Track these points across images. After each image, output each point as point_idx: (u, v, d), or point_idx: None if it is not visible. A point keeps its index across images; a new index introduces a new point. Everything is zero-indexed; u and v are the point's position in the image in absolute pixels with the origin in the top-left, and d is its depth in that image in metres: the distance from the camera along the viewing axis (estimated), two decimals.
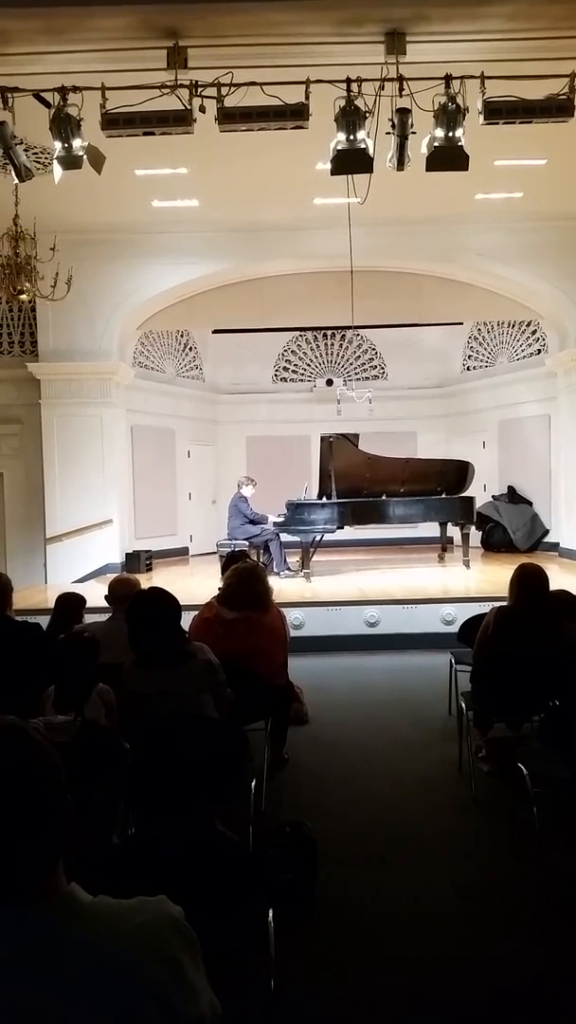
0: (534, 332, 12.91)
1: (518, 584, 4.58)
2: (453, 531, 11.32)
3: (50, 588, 10.29)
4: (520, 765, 3.52)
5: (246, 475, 11.32)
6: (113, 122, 5.72)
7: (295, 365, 15.01)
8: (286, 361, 15.01)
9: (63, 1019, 1.13)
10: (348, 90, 5.76)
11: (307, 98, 5.68)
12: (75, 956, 1.16)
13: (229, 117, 5.73)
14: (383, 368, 15.02)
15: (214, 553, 11.35)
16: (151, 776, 3.09)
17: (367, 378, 14.75)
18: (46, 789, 1.22)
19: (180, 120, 5.71)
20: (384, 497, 10.52)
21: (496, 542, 13.05)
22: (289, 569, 10.44)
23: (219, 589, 5.01)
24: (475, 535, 12.09)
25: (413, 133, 5.87)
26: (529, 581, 4.56)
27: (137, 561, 11.10)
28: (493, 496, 13.41)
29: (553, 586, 4.74)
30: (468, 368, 14.43)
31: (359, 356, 14.99)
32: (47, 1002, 1.14)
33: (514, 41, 5.77)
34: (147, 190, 9.38)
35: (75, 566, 11.18)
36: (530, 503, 13.08)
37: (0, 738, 1.23)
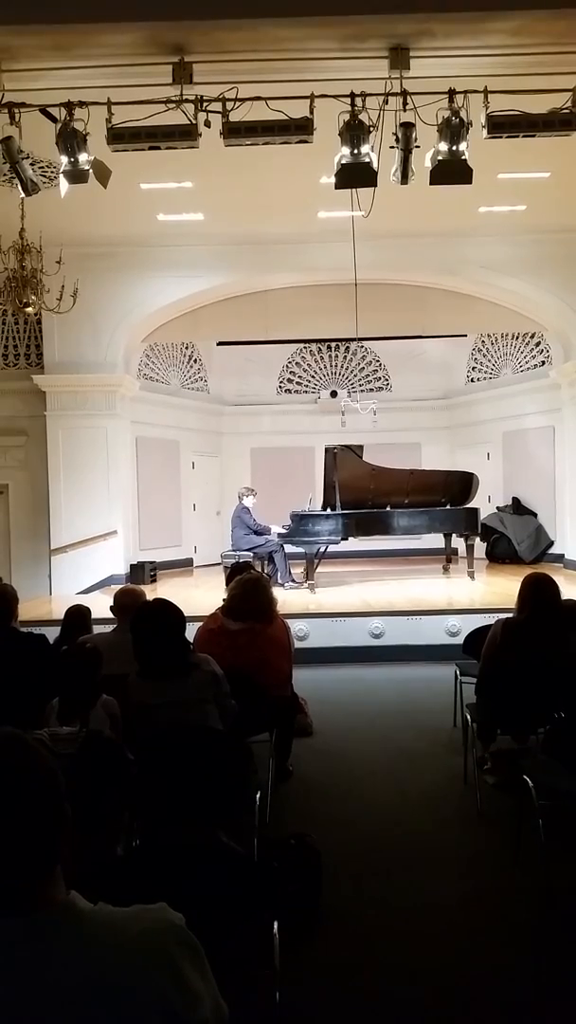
0: (538, 344, 12.94)
1: (531, 593, 4.56)
2: (458, 542, 11.32)
3: (55, 599, 10.31)
4: (525, 777, 3.51)
5: (246, 486, 11.33)
6: (119, 137, 5.76)
7: (299, 377, 15.05)
8: (290, 373, 15.05)
9: None
10: (352, 105, 5.80)
11: (311, 113, 5.71)
12: (74, 965, 1.16)
13: (234, 132, 5.76)
14: (387, 380, 15.05)
15: (218, 564, 11.37)
16: (155, 787, 3.09)
17: (371, 390, 14.78)
18: (42, 796, 1.22)
19: (185, 135, 5.75)
20: (388, 508, 10.52)
21: (501, 553, 13.03)
22: (293, 580, 10.44)
23: (223, 600, 5.02)
24: (480, 546, 12.10)
25: (417, 147, 5.90)
26: (542, 590, 4.54)
27: (141, 572, 11.10)
28: (497, 507, 13.40)
29: None
30: (472, 380, 14.45)
31: (363, 368, 15.02)
32: (46, 1012, 1.13)
33: (517, 56, 5.80)
34: (152, 204, 9.44)
35: (79, 577, 11.19)
36: (535, 514, 13.06)
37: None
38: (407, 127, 5.79)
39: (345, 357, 14.96)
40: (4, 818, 1.18)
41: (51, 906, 1.20)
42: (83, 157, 5.92)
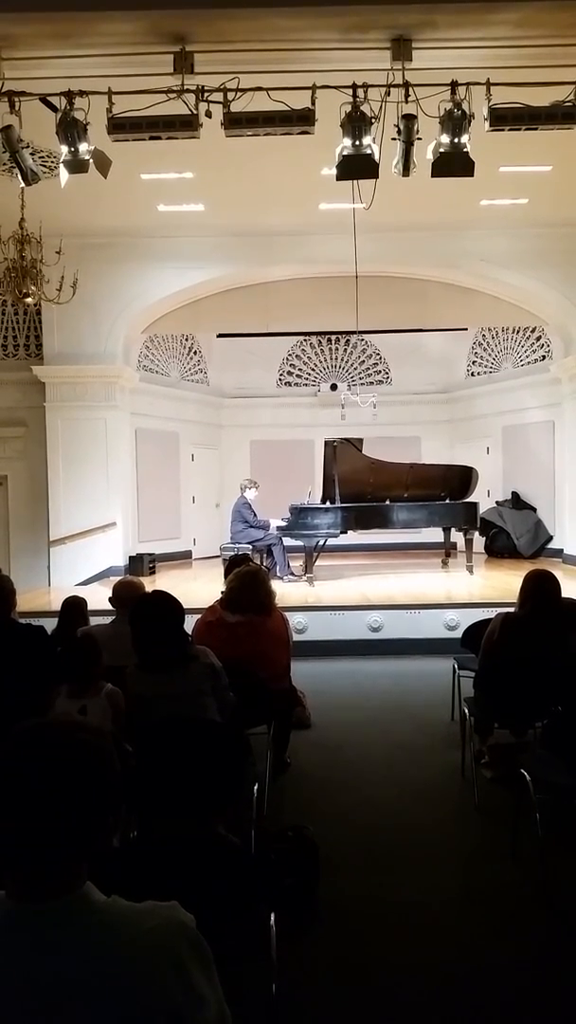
0: (539, 338, 12.91)
1: (532, 588, 4.56)
2: (457, 536, 11.32)
3: (53, 591, 10.30)
4: (523, 771, 3.51)
5: (248, 478, 11.32)
6: (119, 126, 5.74)
7: (299, 370, 15.02)
8: (290, 366, 15.02)
9: (70, 1017, 1.14)
10: (354, 96, 5.78)
11: (313, 104, 5.68)
12: (84, 956, 1.17)
13: (235, 122, 5.74)
14: (387, 373, 15.03)
15: (217, 557, 11.36)
16: (153, 779, 3.09)
17: (371, 383, 14.76)
18: (103, 790, 1.25)
19: (186, 125, 5.73)
20: (388, 502, 10.51)
21: (500, 548, 13.03)
22: (292, 573, 10.44)
23: (222, 593, 5.02)
24: (479, 541, 12.09)
25: (419, 139, 5.88)
26: (544, 586, 4.54)
27: (140, 564, 11.10)
28: (497, 502, 13.41)
29: None
30: (472, 374, 14.43)
31: (363, 361, 15.00)
32: (53, 999, 1.15)
33: (520, 48, 5.78)
34: (153, 194, 9.40)
35: (78, 569, 11.19)
36: (534, 509, 13.06)
37: (81, 739, 1.26)
38: (409, 119, 5.76)
39: (345, 350, 14.92)
40: (66, 804, 1.21)
41: (68, 895, 1.21)
42: (83, 147, 5.90)
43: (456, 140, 5.87)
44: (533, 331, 12.95)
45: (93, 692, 3.41)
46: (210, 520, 13.89)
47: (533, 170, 8.74)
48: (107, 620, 4.78)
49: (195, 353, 14.18)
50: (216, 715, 3.53)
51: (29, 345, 11.90)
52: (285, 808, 4.36)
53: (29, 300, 8.68)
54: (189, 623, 3.85)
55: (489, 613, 5.34)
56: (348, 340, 14.70)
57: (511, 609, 4.76)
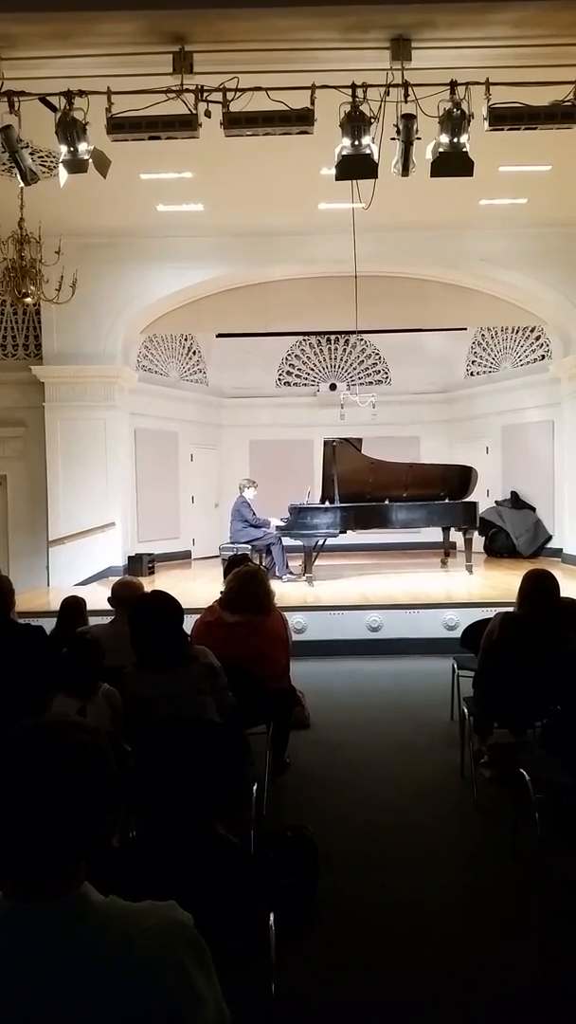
0: (538, 338, 12.91)
1: (531, 588, 4.55)
2: (456, 536, 11.32)
3: (52, 591, 10.30)
4: (522, 771, 3.51)
5: (247, 478, 11.32)
6: (119, 126, 5.73)
7: (299, 369, 15.02)
8: (290, 365, 15.02)
9: (69, 1017, 1.14)
10: (353, 96, 5.78)
11: (312, 103, 5.68)
12: (82, 956, 1.17)
13: (234, 122, 5.74)
14: (387, 373, 15.02)
15: (216, 557, 11.36)
16: (152, 779, 3.09)
17: (371, 383, 14.76)
18: (99, 790, 1.25)
19: (185, 125, 5.72)
20: (387, 502, 10.51)
21: (499, 547, 13.03)
22: (291, 573, 10.44)
23: (221, 593, 5.01)
24: (478, 540, 12.09)
25: (418, 139, 5.87)
26: (543, 586, 4.54)
27: (139, 564, 11.10)
28: (496, 501, 13.41)
29: None
30: (472, 373, 14.43)
31: (363, 361, 14.99)
32: (52, 1001, 1.15)
33: (519, 48, 5.77)
34: (152, 194, 9.40)
35: (77, 569, 11.18)
36: (533, 509, 13.07)
37: (78, 740, 1.26)
38: (408, 118, 5.76)
39: (345, 350, 14.92)
40: (63, 804, 1.21)
41: (66, 895, 1.22)
42: (83, 147, 5.90)
43: (455, 140, 5.87)
44: (532, 331, 12.95)
45: (92, 693, 3.42)
46: (209, 520, 13.89)
47: (532, 170, 8.74)
48: (106, 620, 4.78)
49: (194, 353, 14.17)
50: (215, 715, 3.52)
51: (28, 345, 11.89)
52: (284, 808, 4.36)
53: (28, 300, 8.68)
54: (188, 623, 3.85)
55: (488, 613, 5.34)
56: (347, 340, 14.70)
57: (510, 609, 4.76)
